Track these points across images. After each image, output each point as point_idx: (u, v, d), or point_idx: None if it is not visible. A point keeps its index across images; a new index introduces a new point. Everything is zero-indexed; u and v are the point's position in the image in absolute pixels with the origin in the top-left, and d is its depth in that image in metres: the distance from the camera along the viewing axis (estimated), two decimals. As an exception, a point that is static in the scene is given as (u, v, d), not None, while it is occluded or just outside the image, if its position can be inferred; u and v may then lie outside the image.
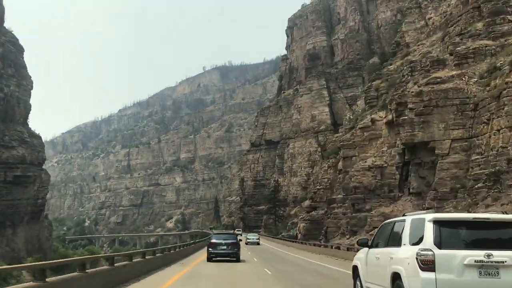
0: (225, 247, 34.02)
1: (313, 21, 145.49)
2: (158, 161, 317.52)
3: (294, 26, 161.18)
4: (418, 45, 70.69)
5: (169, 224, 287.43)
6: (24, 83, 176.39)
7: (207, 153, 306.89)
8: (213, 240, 35.01)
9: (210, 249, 34.19)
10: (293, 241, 76.31)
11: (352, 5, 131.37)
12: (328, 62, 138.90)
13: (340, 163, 70.47)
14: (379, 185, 59.41)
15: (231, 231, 63.24)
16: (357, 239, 18.49)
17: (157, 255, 28.96)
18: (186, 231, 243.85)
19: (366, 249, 13.15)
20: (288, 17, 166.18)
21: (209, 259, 33.73)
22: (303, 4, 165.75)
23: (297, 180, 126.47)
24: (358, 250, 16.75)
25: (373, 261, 12.17)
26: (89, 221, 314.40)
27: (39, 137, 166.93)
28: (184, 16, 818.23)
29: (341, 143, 69.86)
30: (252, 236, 76.20)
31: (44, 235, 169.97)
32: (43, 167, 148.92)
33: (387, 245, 11.51)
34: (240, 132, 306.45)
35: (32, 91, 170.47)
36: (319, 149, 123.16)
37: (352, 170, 63.15)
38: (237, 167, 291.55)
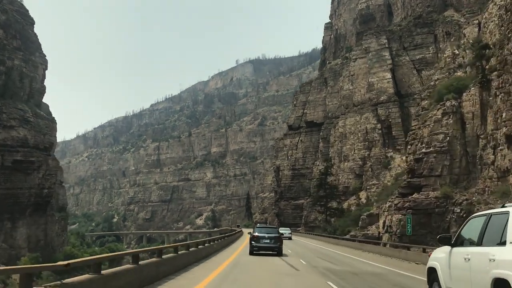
0: (268, 241, 32.37)
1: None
2: (189, 156, 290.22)
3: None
4: None
5: (199, 221, 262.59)
6: (33, 58, 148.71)
7: (239, 148, 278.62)
8: (256, 234, 32.91)
9: (253, 242, 32.45)
10: (365, 242, 46.24)
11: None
12: (385, 24, 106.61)
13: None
14: None
15: (274, 226, 58.40)
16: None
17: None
18: (216, 229, 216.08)
19: (447, 247, 10.68)
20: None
21: (251, 253, 32.03)
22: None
23: (349, 166, 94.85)
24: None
25: (460, 263, 9.58)
26: (117, 217, 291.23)
27: (48, 118, 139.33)
28: (217, 9, 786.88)
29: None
30: (284, 231, 68.50)
31: (54, 230, 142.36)
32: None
33: (480, 243, 9.02)
34: (274, 126, 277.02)
35: (46, 71, 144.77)
36: (378, 125, 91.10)
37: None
38: (270, 161, 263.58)
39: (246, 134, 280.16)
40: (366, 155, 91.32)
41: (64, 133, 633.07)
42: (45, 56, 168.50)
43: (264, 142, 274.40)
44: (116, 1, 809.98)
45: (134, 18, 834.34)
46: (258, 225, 49.13)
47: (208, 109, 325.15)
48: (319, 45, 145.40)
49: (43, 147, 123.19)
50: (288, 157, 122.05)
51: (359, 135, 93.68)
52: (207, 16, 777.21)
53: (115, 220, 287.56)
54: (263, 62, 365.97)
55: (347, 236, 52.56)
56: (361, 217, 52.25)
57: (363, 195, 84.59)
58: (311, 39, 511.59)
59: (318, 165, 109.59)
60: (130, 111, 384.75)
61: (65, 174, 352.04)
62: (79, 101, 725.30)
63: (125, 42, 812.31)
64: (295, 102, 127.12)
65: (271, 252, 32.29)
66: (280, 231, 62.70)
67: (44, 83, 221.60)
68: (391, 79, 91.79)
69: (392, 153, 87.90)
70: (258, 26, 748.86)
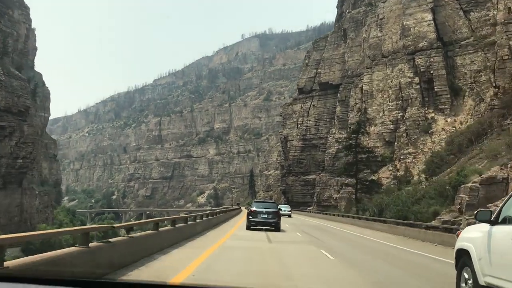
0: (265, 216, 30.34)
1: None
2: (191, 132, 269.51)
3: None
4: None
5: (201, 199, 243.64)
6: (10, 12, 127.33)
7: (243, 124, 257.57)
8: (254, 208, 31.05)
9: (250, 217, 30.59)
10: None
11: None
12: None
13: None
14: None
15: (272, 200, 53.87)
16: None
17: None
18: (218, 208, 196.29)
19: (485, 225, 8.07)
20: None
21: (248, 227, 30.32)
22: None
23: (376, 132, 73.28)
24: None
25: (507, 244, 7.02)
26: (117, 194, 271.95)
27: (24, 79, 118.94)
28: None
29: None
30: (285, 208, 64.80)
31: (33, 206, 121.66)
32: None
33: None
34: (280, 101, 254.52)
35: (36, 31, 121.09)
36: (416, 79, 69.21)
37: None
38: (276, 138, 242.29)
39: (251, 110, 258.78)
40: (399, 117, 69.71)
41: (66, 108, 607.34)
42: (28, 14, 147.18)
43: (270, 118, 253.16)
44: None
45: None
46: (255, 199, 45.16)
47: (212, 84, 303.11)
48: (328, 19, 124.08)
49: (16, 111, 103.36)
50: (298, 125, 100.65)
51: (390, 92, 71.89)
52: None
53: (114, 197, 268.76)
54: (270, 37, 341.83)
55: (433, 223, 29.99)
56: (463, 187, 29.48)
57: (401, 166, 62.99)
58: (320, 13, 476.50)
59: (334, 133, 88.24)
60: (132, 86, 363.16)
61: (66, 150, 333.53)
62: (82, 76, 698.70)
63: (129, 16, 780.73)
64: (307, 61, 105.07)
65: (268, 227, 30.11)
66: (281, 208, 53.95)
67: (36, 45, 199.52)
68: (432, 22, 69.63)
69: (433, 114, 66.32)
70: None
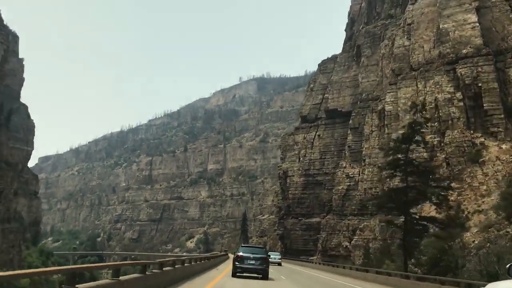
0: (253, 262, 26.98)
1: None
2: (183, 172, 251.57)
3: None
4: None
5: (190, 244, 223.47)
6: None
7: (237, 165, 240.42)
8: (240, 253, 27.58)
9: (236, 262, 27.13)
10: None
11: None
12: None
13: None
14: None
15: (261, 245, 46.85)
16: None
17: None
18: (207, 254, 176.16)
19: None
20: None
21: (234, 274, 27.01)
22: None
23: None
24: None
25: None
26: (104, 235, 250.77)
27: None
28: (220, 25, 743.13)
29: None
30: (274, 256, 57.13)
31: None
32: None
33: None
34: (276, 143, 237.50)
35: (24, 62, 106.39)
36: (458, 94, 52.31)
37: None
38: (271, 181, 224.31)
39: (246, 151, 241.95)
40: (435, 142, 52.34)
41: (57, 146, 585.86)
42: (7, 35, 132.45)
43: (266, 161, 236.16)
44: (114, 9, 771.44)
45: (136, 28, 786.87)
46: (243, 244, 41.92)
47: (207, 125, 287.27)
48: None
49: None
50: (299, 158, 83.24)
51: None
52: (211, 30, 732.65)
53: (99, 239, 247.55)
54: (267, 81, 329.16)
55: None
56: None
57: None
58: (319, 57, 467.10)
59: (345, 167, 70.74)
60: (126, 126, 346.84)
61: (54, 188, 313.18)
62: (75, 115, 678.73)
63: (125, 55, 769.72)
64: (312, 86, 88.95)
65: (255, 275, 27.10)
66: (270, 256, 49.05)
67: (23, 76, 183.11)
68: (477, 24, 53.49)
69: (483, 139, 49.11)
70: (262, 43, 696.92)
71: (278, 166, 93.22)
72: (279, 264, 57.27)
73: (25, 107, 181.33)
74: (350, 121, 72.86)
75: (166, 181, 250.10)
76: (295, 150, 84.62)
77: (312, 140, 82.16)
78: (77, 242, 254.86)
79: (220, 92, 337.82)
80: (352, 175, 67.89)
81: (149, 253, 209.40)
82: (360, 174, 66.99)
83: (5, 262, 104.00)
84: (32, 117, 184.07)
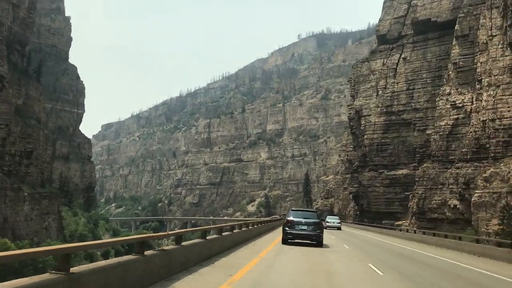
0: (305, 227, 23.60)
1: None
2: (242, 134, 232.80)
3: None
4: None
5: (251, 208, 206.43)
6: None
7: (298, 125, 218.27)
8: (291, 218, 24.25)
9: (286, 228, 23.90)
10: None
11: None
12: None
13: None
14: None
15: (314, 210, 39.41)
16: None
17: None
18: (267, 218, 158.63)
19: None
20: None
21: (285, 241, 23.73)
22: None
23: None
24: None
25: None
26: (166, 200, 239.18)
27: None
28: None
29: None
30: (332, 220, 52.91)
31: (20, 212, 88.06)
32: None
33: None
34: (339, 100, 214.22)
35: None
36: None
37: None
38: (335, 139, 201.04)
39: (306, 110, 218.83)
40: None
41: (120, 113, 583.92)
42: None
43: (328, 119, 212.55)
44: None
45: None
46: (293, 208, 36.69)
47: (266, 86, 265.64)
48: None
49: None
50: (377, 91, 60.47)
51: None
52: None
53: (160, 205, 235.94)
54: (328, 37, 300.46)
55: None
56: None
57: None
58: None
59: (449, 93, 47.03)
60: (185, 90, 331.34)
61: (116, 155, 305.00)
62: (135, 83, 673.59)
63: (181, 22, 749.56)
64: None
65: (308, 241, 23.71)
66: (328, 221, 51.64)
67: (70, 35, 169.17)
68: None
69: None
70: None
71: (348, 106, 70.42)
72: (339, 228, 50.59)
73: (74, 68, 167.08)
74: (456, 26, 48.84)
75: (225, 143, 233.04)
76: (371, 81, 61.74)
77: (395, 66, 58.94)
78: (139, 208, 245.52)
79: (278, 51, 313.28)
80: (461, 104, 44.55)
81: (209, 218, 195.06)
82: (474, 102, 43.60)
83: (35, 232, 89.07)
84: (81, 79, 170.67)
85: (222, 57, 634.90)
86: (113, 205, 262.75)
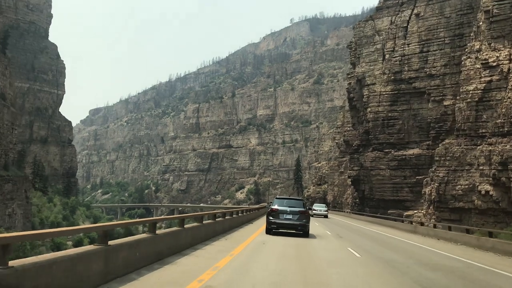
0: (290, 216, 21.59)
1: None
2: (231, 119, 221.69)
3: None
4: None
5: (240, 195, 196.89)
6: None
7: (289, 110, 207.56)
8: (275, 206, 22.16)
9: (270, 217, 21.81)
10: None
11: None
12: None
13: None
14: None
15: (300, 198, 30.89)
16: None
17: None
18: (257, 205, 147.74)
19: None
20: None
21: (268, 231, 21.85)
22: None
23: None
24: None
25: None
26: (153, 187, 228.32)
27: None
28: None
29: None
30: (319, 207, 50.24)
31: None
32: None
33: None
34: (332, 84, 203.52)
35: None
36: None
37: None
38: (327, 125, 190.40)
39: (298, 94, 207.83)
40: None
41: (108, 98, 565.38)
42: None
43: (320, 104, 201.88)
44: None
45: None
46: (278, 195, 31.31)
47: (257, 71, 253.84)
48: None
49: None
50: (384, 55, 49.33)
51: None
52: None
53: (146, 191, 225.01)
54: (321, 21, 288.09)
55: None
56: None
57: None
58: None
59: (479, 49, 35.79)
60: (174, 75, 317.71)
61: (103, 140, 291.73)
62: (125, 68, 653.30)
63: (171, 5, 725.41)
64: None
65: (294, 231, 21.91)
66: (314, 208, 49.27)
67: (50, 12, 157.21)
68: None
69: None
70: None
71: (348, 74, 59.00)
72: (325, 216, 47.67)
73: (54, 47, 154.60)
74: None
75: (214, 129, 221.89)
76: (376, 43, 50.71)
77: (405, 25, 47.95)
78: (126, 194, 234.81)
79: (270, 36, 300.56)
80: (495, 63, 33.71)
81: (196, 205, 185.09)
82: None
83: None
84: (62, 58, 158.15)
85: (213, 42, 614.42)
86: (99, 191, 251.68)
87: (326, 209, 51.28)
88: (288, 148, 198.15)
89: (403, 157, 46.57)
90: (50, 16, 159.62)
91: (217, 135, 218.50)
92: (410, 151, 46.22)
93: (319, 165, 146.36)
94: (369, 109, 49.06)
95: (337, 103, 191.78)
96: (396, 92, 47.85)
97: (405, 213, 44.87)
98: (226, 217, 22.80)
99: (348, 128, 63.29)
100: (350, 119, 58.01)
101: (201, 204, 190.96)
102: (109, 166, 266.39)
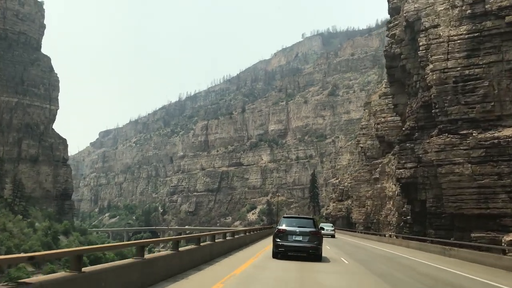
0: (300, 238, 18.22)
1: None
2: (241, 136, 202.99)
3: None
4: None
5: (251, 216, 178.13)
6: None
7: (303, 124, 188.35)
8: (283, 227, 18.75)
9: (277, 239, 18.41)
10: None
11: None
12: None
13: None
14: None
15: (311, 217, 24.17)
16: None
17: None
18: (267, 226, 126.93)
19: None
20: None
21: (275, 255, 18.45)
22: None
23: None
24: None
25: None
26: (161, 209, 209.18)
27: None
28: None
29: None
30: (326, 227, 47.93)
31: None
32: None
33: None
34: (348, 96, 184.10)
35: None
36: None
37: None
38: (344, 139, 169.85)
39: (312, 107, 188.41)
40: None
41: (118, 120, 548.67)
42: None
43: (336, 117, 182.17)
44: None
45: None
46: (285, 215, 28.56)
47: (268, 86, 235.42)
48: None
49: None
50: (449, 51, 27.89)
51: None
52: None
53: (153, 214, 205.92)
54: (333, 35, 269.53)
55: None
56: None
57: None
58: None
59: None
60: (184, 94, 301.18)
61: (112, 162, 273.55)
62: (137, 87, 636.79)
63: (183, 25, 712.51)
64: None
65: (304, 255, 18.07)
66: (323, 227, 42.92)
67: (43, 22, 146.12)
68: None
69: None
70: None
71: (388, 24, 38.21)
72: (332, 236, 44.84)
73: (47, 59, 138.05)
74: None
75: (223, 146, 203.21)
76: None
77: None
78: (133, 217, 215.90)
79: (282, 51, 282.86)
80: None
81: (204, 228, 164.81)
82: None
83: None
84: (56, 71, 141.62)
85: (223, 60, 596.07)
86: (106, 215, 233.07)
87: (333, 228, 50.64)
88: (302, 164, 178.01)
89: (495, 141, 26.23)
90: (43, 26, 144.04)
91: (226, 152, 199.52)
92: (507, 131, 25.92)
93: (337, 180, 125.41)
94: (430, 67, 28.86)
95: (354, 116, 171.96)
96: (476, 34, 27.72)
97: (505, 237, 24.09)
98: (216, 241, 18.26)
99: (383, 119, 42.83)
100: (392, 98, 37.64)
101: (213, 228, 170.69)
102: (117, 188, 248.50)
